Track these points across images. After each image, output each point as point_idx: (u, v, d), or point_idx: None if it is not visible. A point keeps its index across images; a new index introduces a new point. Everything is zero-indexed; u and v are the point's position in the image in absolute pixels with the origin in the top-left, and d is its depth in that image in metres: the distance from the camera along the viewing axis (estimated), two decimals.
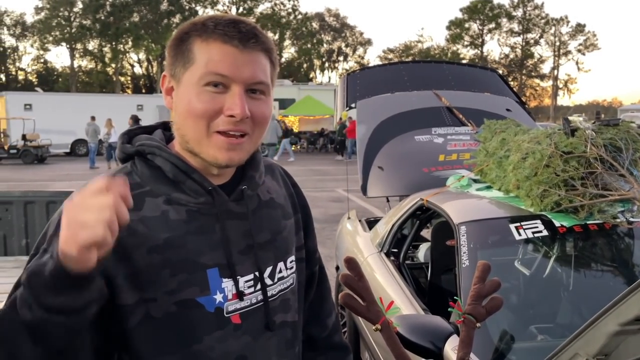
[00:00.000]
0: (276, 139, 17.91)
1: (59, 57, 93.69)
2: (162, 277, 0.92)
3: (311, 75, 54.10)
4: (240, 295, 0.98)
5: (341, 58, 56.71)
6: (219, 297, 0.96)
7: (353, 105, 4.43)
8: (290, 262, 1.10)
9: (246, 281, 1.00)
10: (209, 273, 0.95)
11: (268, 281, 1.03)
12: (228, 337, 0.97)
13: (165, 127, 1.07)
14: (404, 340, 1.75)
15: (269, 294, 1.03)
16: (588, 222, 2.18)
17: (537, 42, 52.96)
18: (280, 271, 1.06)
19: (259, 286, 1.01)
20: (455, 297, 1.83)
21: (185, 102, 0.93)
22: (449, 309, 1.77)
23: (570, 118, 2.40)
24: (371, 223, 3.87)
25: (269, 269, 1.03)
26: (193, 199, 0.96)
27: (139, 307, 0.92)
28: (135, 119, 11.61)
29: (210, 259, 0.96)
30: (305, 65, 54.95)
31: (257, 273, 1.01)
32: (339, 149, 21.83)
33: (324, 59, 55.75)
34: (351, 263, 1.47)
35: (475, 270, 1.57)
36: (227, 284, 0.97)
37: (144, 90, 46.79)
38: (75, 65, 45.60)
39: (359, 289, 1.49)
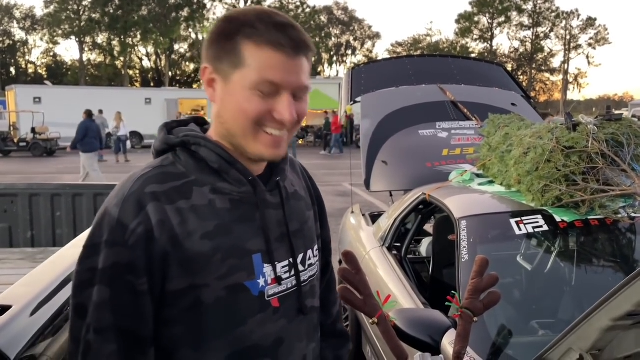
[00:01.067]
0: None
1: (68, 50, 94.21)
2: (214, 263, 0.96)
3: (319, 69, 53.97)
4: (278, 279, 1.03)
5: (349, 52, 56.52)
6: (261, 282, 1.01)
7: (358, 99, 4.42)
8: (316, 250, 1.16)
9: (283, 267, 1.05)
10: (254, 258, 1.00)
11: (301, 267, 1.09)
12: (267, 320, 1.02)
13: (197, 121, 1.11)
14: (402, 334, 1.76)
15: (302, 279, 1.09)
16: (589, 218, 2.17)
17: (547, 36, 52.43)
18: (309, 258, 1.12)
19: (293, 272, 1.07)
20: (453, 292, 1.83)
21: (235, 103, 0.96)
22: (447, 303, 1.78)
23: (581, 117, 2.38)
24: (375, 217, 3.87)
25: (300, 256, 1.09)
26: (236, 189, 1.01)
27: (188, 293, 0.95)
28: (89, 114, 11.72)
29: (253, 245, 1.01)
30: (313, 59, 54.67)
31: (291, 259, 1.07)
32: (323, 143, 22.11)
33: (332, 53, 55.56)
34: (349, 257, 1.47)
35: (473, 265, 1.58)
36: (267, 269, 1.02)
37: (152, 84, 46.91)
38: (85, 58, 45.79)
39: (356, 283, 1.50)
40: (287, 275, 1.06)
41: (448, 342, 1.78)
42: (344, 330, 1.36)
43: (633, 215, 2.16)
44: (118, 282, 0.92)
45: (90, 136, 11.24)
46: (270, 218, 1.04)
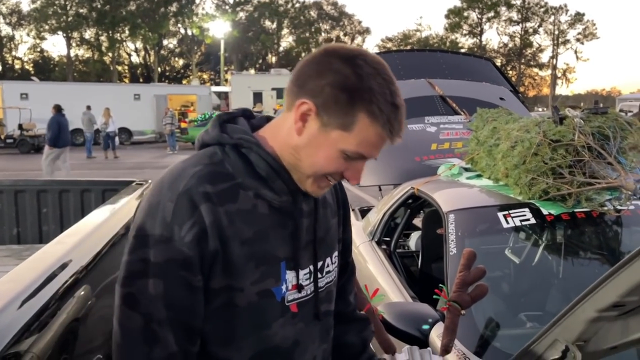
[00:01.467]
0: None
1: (56, 46, 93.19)
2: (249, 268, 0.99)
3: None
4: (299, 287, 1.07)
5: None
6: (283, 288, 1.05)
7: None
8: (335, 256, 1.18)
9: (304, 274, 1.08)
10: (282, 265, 1.04)
11: (319, 274, 1.12)
12: (287, 324, 1.06)
13: (245, 114, 1.11)
14: (390, 328, 1.76)
15: (319, 285, 1.12)
16: (576, 210, 2.19)
17: (535, 31, 52.68)
18: (328, 265, 1.15)
19: (312, 279, 1.10)
20: (440, 285, 1.84)
21: (319, 155, 0.98)
22: (434, 296, 1.78)
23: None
24: (364, 212, 3.87)
25: (320, 263, 1.12)
26: (277, 197, 1.03)
27: (222, 293, 0.99)
28: (57, 109, 11.67)
29: (282, 252, 1.04)
30: (303, 54, 54.64)
31: (311, 267, 1.09)
32: None
33: None
34: None
35: (461, 258, 1.58)
36: (289, 275, 1.05)
37: (141, 80, 46.56)
38: (72, 54, 45.34)
39: None
40: (307, 282, 1.09)
41: (436, 335, 1.79)
42: (363, 314, 1.41)
43: (619, 207, 2.17)
44: (173, 277, 0.94)
45: (63, 131, 11.16)
46: (302, 226, 1.07)
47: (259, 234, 1.00)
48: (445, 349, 1.55)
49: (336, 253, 1.19)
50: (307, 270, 1.08)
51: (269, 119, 1.11)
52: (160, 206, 0.96)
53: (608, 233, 2.30)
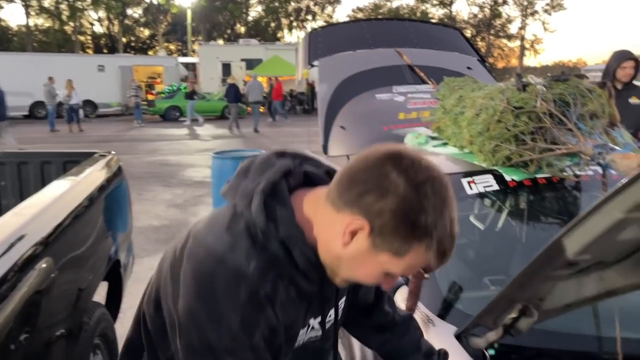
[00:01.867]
0: (261, 97, 18.71)
1: (13, 15, 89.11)
2: (277, 355, 1.01)
3: (279, 35, 53.05)
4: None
5: (309, 17, 55.66)
6: None
7: (315, 63, 4.36)
8: (341, 302, 1.20)
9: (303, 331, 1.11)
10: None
11: (316, 325, 1.14)
12: None
13: (286, 173, 1.04)
14: None
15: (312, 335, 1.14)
16: (537, 176, 2.23)
17: (505, 2, 52.90)
18: (330, 315, 1.16)
19: (308, 332, 1.12)
20: None
21: (362, 271, 0.96)
22: None
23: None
24: None
25: (319, 319, 1.14)
26: (310, 286, 1.03)
27: None
28: None
29: (300, 327, 1.09)
30: (272, 25, 53.75)
31: (311, 321, 1.12)
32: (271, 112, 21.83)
33: (291, 18, 54.61)
34: None
35: None
36: None
37: (105, 50, 45.16)
38: (31, 23, 43.54)
39: None
40: (303, 336, 1.11)
41: (401, 299, 1.82)
42: (405, 314, 1.41)
43: (578, 172, 2.23)
44: None
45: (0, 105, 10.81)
46: (322, 309, 1.11)
47: (291, 322, 1.03)
48: (409, 312, 1.59)
49: (343, 300, 1.20)
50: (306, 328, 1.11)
51: (307, 176, 1.07)
52: (224, 317, 0.92)
53: (568, 198, 2.36)
